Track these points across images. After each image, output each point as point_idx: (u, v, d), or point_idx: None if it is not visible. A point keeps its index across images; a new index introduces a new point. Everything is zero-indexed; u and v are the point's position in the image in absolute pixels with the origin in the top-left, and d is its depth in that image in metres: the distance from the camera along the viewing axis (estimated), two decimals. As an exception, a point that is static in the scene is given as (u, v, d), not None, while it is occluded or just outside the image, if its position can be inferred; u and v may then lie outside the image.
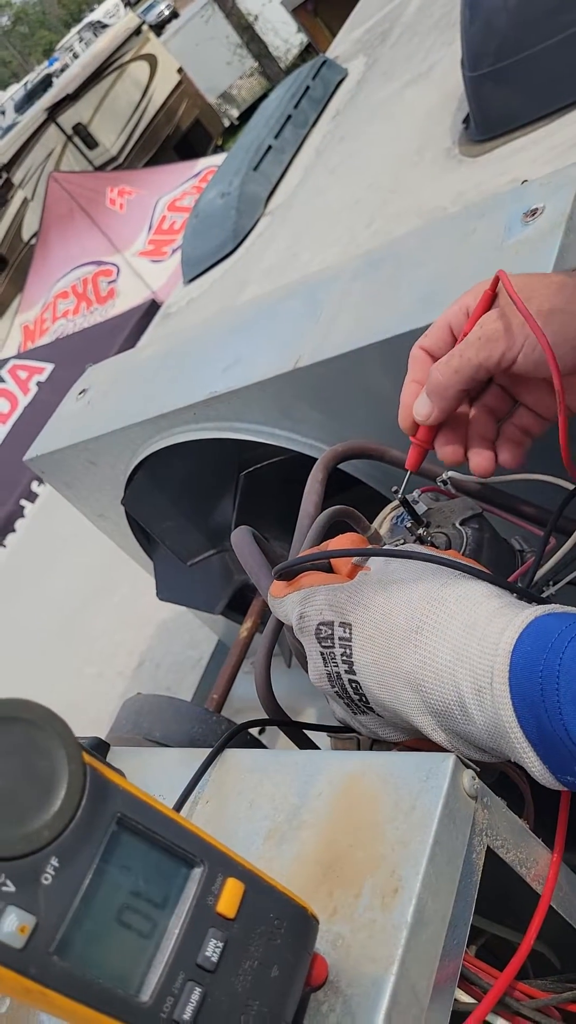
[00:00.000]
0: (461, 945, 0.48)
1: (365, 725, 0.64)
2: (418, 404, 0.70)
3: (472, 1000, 0.50)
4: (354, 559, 0.65)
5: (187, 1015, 0.40)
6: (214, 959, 0.41)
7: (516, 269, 0.82)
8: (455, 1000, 0.50)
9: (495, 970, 0.51)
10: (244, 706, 1.31)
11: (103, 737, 1.06)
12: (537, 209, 0.85)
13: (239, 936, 0.43)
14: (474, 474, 0.73)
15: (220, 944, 0.42)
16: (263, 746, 1.02)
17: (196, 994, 0.40)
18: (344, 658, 0.60)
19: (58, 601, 2.21)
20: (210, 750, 0.63)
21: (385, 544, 0.83)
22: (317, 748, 0.77)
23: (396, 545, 0.84)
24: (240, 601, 1.29)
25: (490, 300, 0.67)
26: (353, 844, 0.50)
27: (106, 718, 1.15)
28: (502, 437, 0.72)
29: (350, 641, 0.59)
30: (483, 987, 0.49)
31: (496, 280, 0.66)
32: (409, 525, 0.81)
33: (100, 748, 0.69)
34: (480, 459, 0.71)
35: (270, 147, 3.09)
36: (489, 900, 0.56)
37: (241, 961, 0.42)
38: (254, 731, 1.36)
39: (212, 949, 0.42)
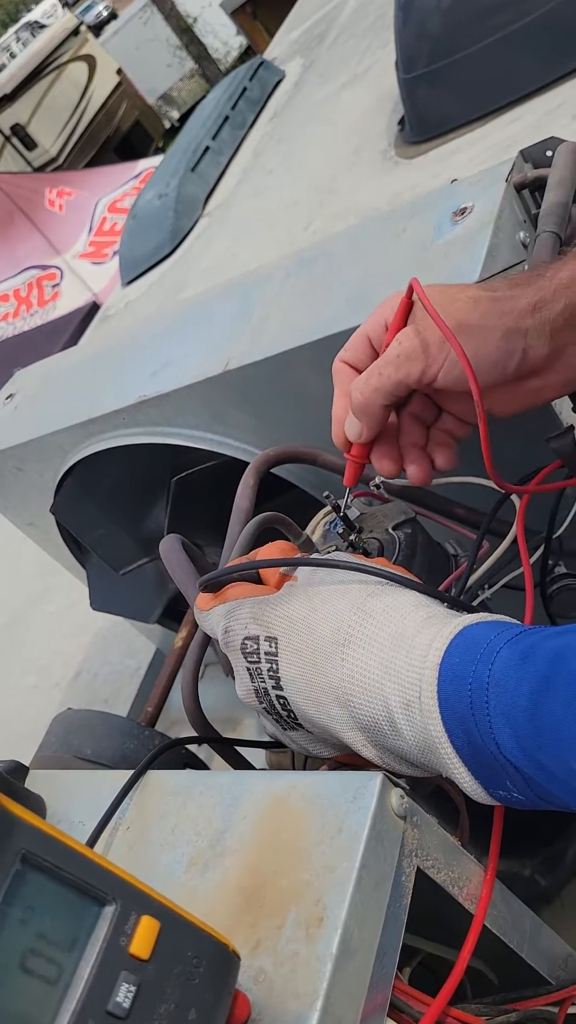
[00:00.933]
0: (390, 974, 0.46)
1: (295, 741, 0.61)
2: (347, 425, 0.69)
3: (403, 1030, 0.48)
4: (282, 568, 0.63)
5: (96, 1069, 0.37)
6: (126, 1005, 0.38)
7: (445, 268, 0.81)
8: (386, 1031, 0.47)
9: (427, 997, 0.49)
10: (184, 717, 1.28)
11: (33, 754, 1.02)
12: (466, 208, 0.84)
13: (154, 978, 0.40)
14: (411, 484, 0.71)
15: (133, 988, 0.39)
16: (201, 762, 0.99)
17: (105, 1046, 0.37)
18: (271, 673, 0.58)
19: (-7, 611, 2.16)
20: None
21: (317, 551, 0.81)
22: (250, 764, 0.75)
23: (328, 552, 0.81)
24: (176, 609, 1.26)
25: (407, 310, 0.66)
26: (277, 871, 0.48)
27: (41, 731, 1.11)
28: (432, 442, 0.71)
29: (276, 656, 0.57)
30: (414, 1016, 0.47)
31: (411, 290, 0.65)
32: (341, 531, 0.79)
33: (16, 773, 0.66)
34: (415, 469, 0.70)
35: (208, 148, 3.06)
36: (424, 917, 0.54)
37: (156, 1005, 0.39)
38: (193, 746, 1.33)
39: (124, 994, 0.39)
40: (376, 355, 0.68)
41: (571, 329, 0.61)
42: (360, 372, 0.69)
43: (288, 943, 0.45)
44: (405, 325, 0.66)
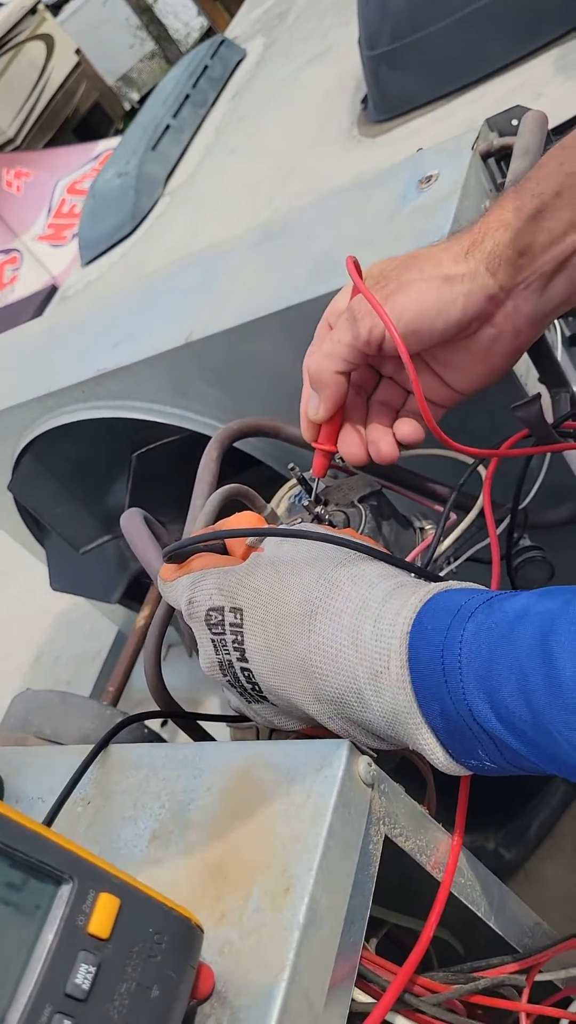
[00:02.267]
0: (358, 943, 0.45)
1: (260, 714, 0.60)
2: (308, 404, 0.69)
3: (371, 999, 0.47)
4: (248, 540, 0.61)
5: (55, 1051, 0.36)
6: (85, 986, 0.37)
7: (411, 237, 0.80)
8: (352, 1000, 0.47)
9: (394, 965, 0.48)
10: (146, 697, 1.26)
11: (-9, 736, 1.00)
12: (432, 176, 0.83)
13: (114, 957, 0.38)
14: (378, 461, 0.71)
15: (92, 969, 0.37)
16: (163, 740, 0.97)
17: (64, 1027, 0.36)
18: (236, 645, 0.56)
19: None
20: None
21: (282, 524, 0.80)
22: (213, 740, 0.74)
23: (293, 525, 0.80)
24: (137, 589, 1.24)
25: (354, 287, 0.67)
26: (243, 842, 0.47)
27: (0, 714, 1.09)
28: (399, 420, 0.71)
29: (241, 627, 0.56)
30: (382, 985, 0.47)
31: (352, 263, 0.66)
32: (307, 504, 0.78)
33: (-26, 750, 0.64)
34: (381, 446, 0.69)
35: (168, 127, 3.01)
36: (390, 888, 0.53)
37: (117, 985, 0.38)
38: (155, 725, 1.31)
39: (83, 975, 0.37)
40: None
41: (507, 269, 0.62)
42: None
43: (254, 914, 0.44)
44: None
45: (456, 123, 1.84)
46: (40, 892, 0.38)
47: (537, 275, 0.62)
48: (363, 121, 2.19)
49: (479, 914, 0.54)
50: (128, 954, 0.39)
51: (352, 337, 0.65)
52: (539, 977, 0.57)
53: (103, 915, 0.39)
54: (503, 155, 0.84)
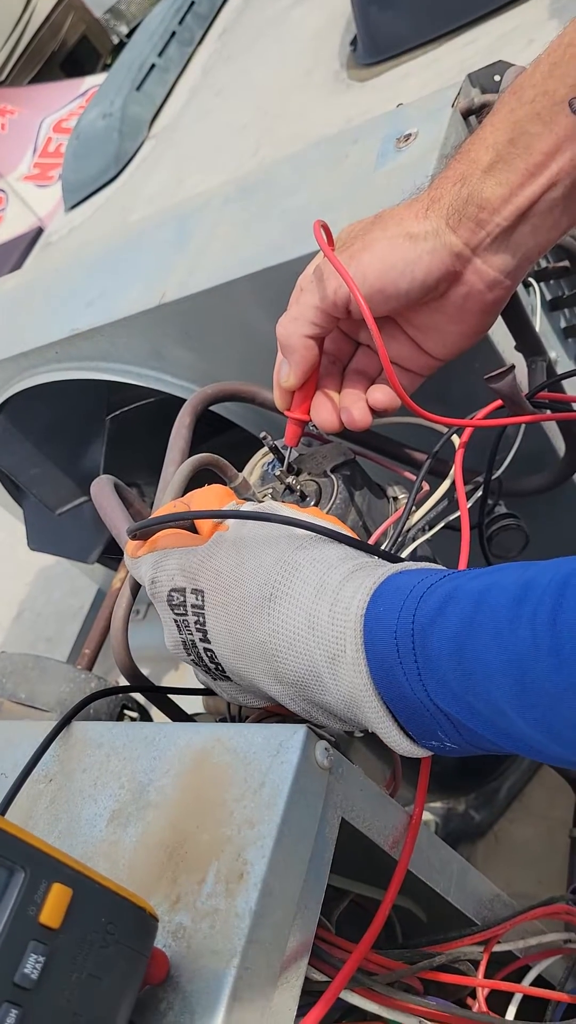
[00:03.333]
0: (311, 926, 0.46)
1: (225, 691, 0.60)
2: (279, 372, 0.69)
3: (325, 978, 0.48)
4: (215, 517, 0.60)
5: (1, 1041, 0.36)
6: (34, 976, 0.37)
7: (387, 196, 0.77)
8: (307, 979, 0.47)
9: (350, 944, 0.49)
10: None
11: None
12: (411, 134, 0.80)
13: (65, 947, 0.38)
14: (350, 427, 0.70)
15: (42, 959, 0.37)
16: (140, 706, 0.98)
17: (12, 1017, 0.36)
18: (198, 626, 0.56)
19: None
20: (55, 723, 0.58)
21: (254, 493, 0.79)
22: (183, 711, 0.74)
23: (265, 495, 0.80)
24: (116, 548, 1.24)
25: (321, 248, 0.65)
26: (200, 825, 0.47)
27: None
28: (372, 386, 0.70)
29: (203, 609, 0.55)
30: (336, 965, 0.47)
31: (320, 227, 0.65)
32: (279, 473, 0.77)
33: None
34: (354, 412, 0.69)
35: (154, 66, 2.93)
36: (354, 859, 0.54)
37: (67, 974, 0.38)
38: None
39: (32, 965, 0.37)
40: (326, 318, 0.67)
41: (468, 225, 0.61)
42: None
43: (208, 899, 0.44)
44: None
45: (446, 68, 1.79)
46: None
47: (500, 228, 0.61)
48: (352, 64, 2.13)
49: (437, 890, 0.55)
50: (79, 944, 0.39)
51: (318, 299, 0.64)
52: (498, 947, 0.58)
53: (55, 905, 0.39)
54: (485, 113, 0.81)
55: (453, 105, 0.80)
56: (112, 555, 1.29)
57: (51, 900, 0.38)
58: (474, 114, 0.81)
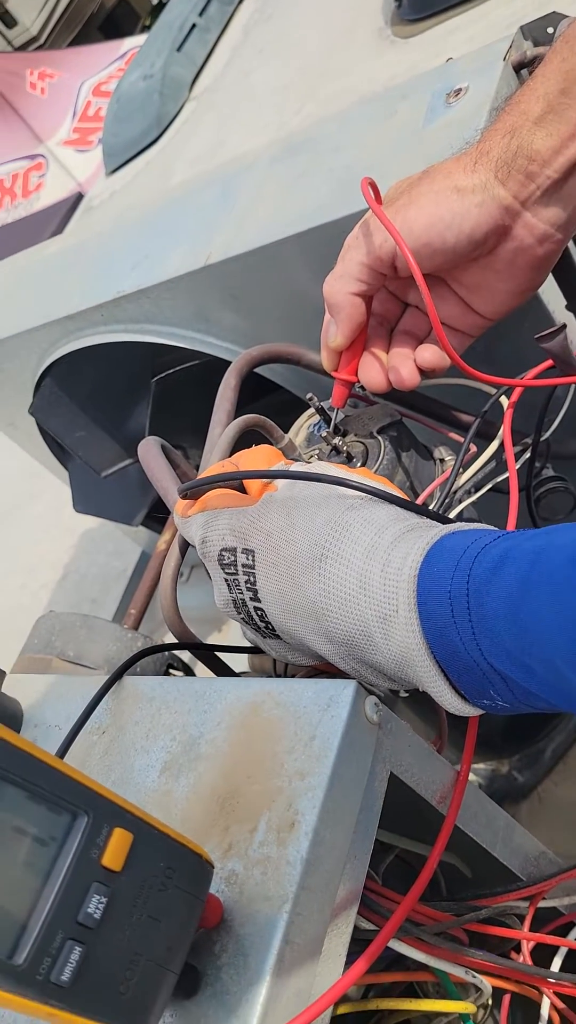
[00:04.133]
0: (361, 875, 0.46)
1: (274, 649, 0.61)
2: (326, 332, 0.68)
3: (374, 927, 0.49)
4: (264, 477, 0.61)
5: (65, 976, 0.37)
6: (97, 916, 0.39)
7: (436, 153, 0.76)
8: (356, 928, 0.48)
9: (398, 895, 0.49)
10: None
11: (17, 656, 1.02)
12: (461, 89, 0.78)
13: (126, 889, 0.40)
14: (397, 387, 0.69)
15: (104, 899, 0.39)
16: (185, 664, 0.99)
17: (76, 953, 0.38)
18: (248, 586, 0.56)
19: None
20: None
21: (300, 454, 0.79)
22: (230, 669, 0.75)
23: (312, 456, 0.80)
24: (160, 511, 1.25)
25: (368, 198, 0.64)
26: (251, 776, 0.48)
27: (27, 632, 1.11)
28: (421, 346, 0.69)
29: (253, 569, 0.56)
30: (384, 915, 0.48)
31: (368, 184, 0.64)
32: (325, 434, 0.77)
33: (-5, 677, 0.65)
34: (402, 372, 0.68)
35: (195, 25, 2.88)
36: (401, 814, 0.54)
37: (128, 915, 0.40)
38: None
39: (95, 905, 0.39)
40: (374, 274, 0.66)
41: (517, 177, 0.60)
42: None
43: (260, 847, 0.45)
44: None
45: (496, 22, 1.74)
46: (56, 824, 0.40)
47: (551, 181, 0.60)
48: (396, 20, 2.08)
49: (484, 845, 0.56)
50: (140, 887, 0.40)
51: (364, 254, 0.63)
52: (542, 904, 0.59)
53: (116, 849, 0.40)
54: (537, 65, 0.79)
55: (505, 59, 0.78)
56: (156, 517, 1.30)
57: (113, 844, 0.40)
58: (526, 67, 0.80)
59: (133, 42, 6.70)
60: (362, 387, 0.81)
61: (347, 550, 0.52)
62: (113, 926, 0.39)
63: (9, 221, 6.23)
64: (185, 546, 0.73)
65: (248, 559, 0.56)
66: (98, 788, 0.41)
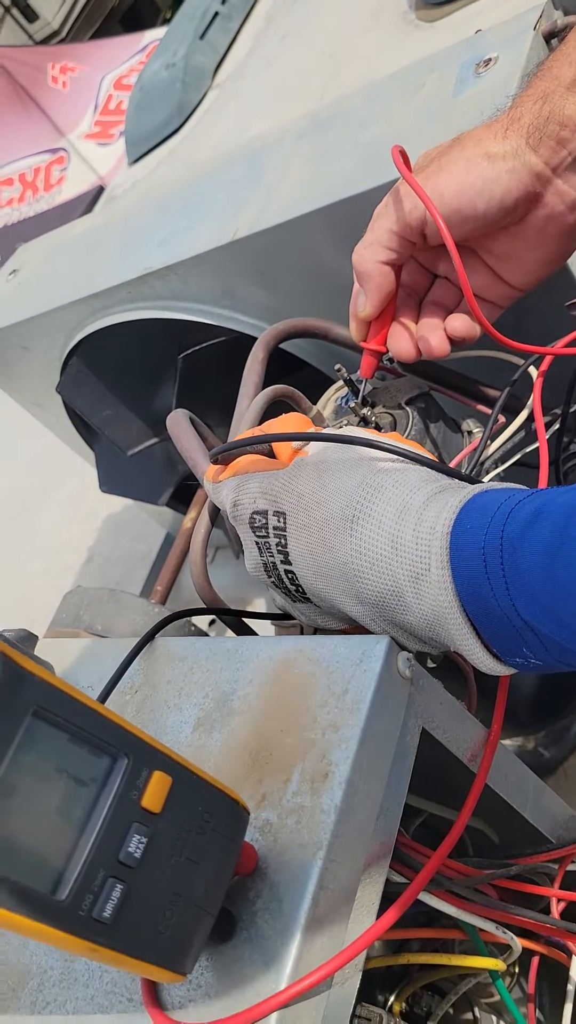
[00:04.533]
0: (393, 827, 0.47)
1: (304, 614, 0.61)
2: (355, 302, 0.68)
3: (405, 880, 0.49)
4: (293, 443, 0.61)
5: (107, 912, 0.38)
6: (137, 855, 0.39)
7: (466, 125, 0.76)
8: (388, 881, 0.49)
9: (428, 849, 0.50)
10: (194, 598, 1.29)
11: (45, 631, 1.03)
12: (491, 59, 0.78)
13: (165, 831, 0.40)
14: (427, 356, 0.69)
15: (144, 839, 0.40)
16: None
17: (117, 891, 0.38)
18: (279, 548, 0.57)
19: (1, 497, 2.16)
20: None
21: (328, 426, 0.80)
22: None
23: (340, 427, 0.80)
24: (185, 492, 1.26)
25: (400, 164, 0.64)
26: (284, 730, 0.48)
27: (52, 613, 1.12)
28: (451, 315, 0.69)
29: (284, 531, 0.56)
30: (416, 867, 0.48)
31: (398, 152, 0.64)
32: (353, 405, 0.77)
33: (27, 641, 0.66)
34: (431, 340, 0.68)
35: (217, 14, 2.88)
36: (429, 779, 0.55)
37: (167, 856, 0.40)
38: (203, 625, 1.34)
39: (135, 845, 0.39)
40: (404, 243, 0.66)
41: (548, 143, 0.59)
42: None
43: (294, 796, 0.45)
44: None
45: (520, 4, 1.73)
46: (97, 766, 0.40)
47: None
48: (420, 4, 2.07)
49: (514, 805, 0.56)
50: (178, 829, 0.41)
51: (393, 221, 0.63)
52: (572, 867, 0.59)
53: (156, 791, 0.41)
54: (568, 34, 0.79)
55: (535, 28, 0.78)
56: (181, 499, 1.31)
57: (152, 786, 0.40)
58: (556, 37, 0.79)
59: (154, 35, 6.70)
60: (391, 359, 0.81)
61: (379, 510, 0.52)
62: (153, 866, 0.39)
63: (31, 215, 6.26)
64: (215, 514, 0.73)
65: (279, 521, 0.56)
66: (138, 732, 0.41)
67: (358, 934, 0.43)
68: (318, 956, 0.41)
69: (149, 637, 0.59)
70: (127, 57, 6.68)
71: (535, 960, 0.60)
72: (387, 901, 0.48)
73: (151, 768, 0.41)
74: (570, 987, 0.59)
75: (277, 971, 0.41)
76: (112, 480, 1.29)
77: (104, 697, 0.55)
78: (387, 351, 0.71)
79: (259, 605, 1.31)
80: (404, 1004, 0.63)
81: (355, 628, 0.60)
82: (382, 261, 0.65)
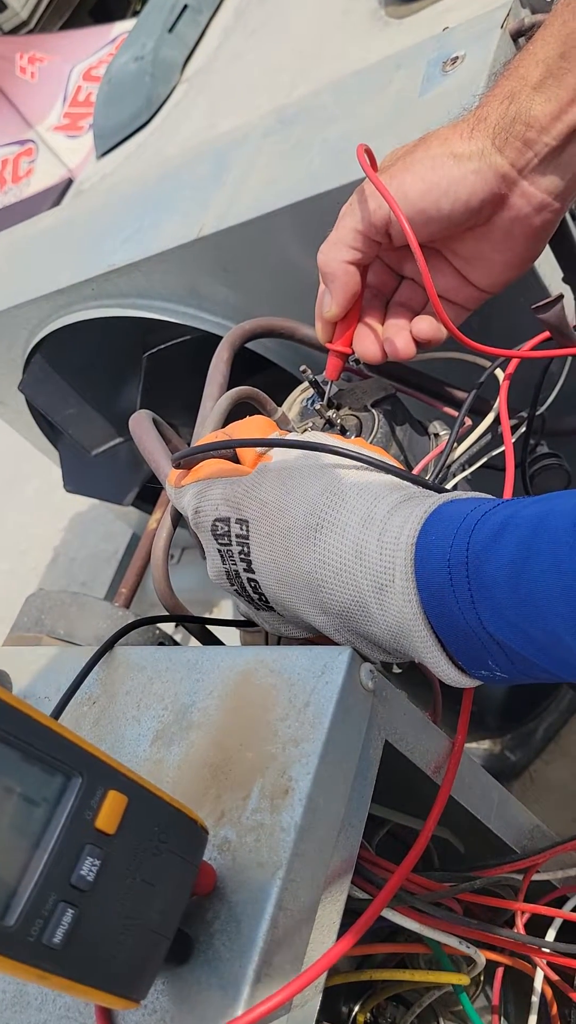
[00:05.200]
0: (355, 844, 0.46)
1: (267, 622, 0.60)
2: (321, 303, 0.67)
3: (367, 896, 0.48)
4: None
5: (57, 938, 0.36)
6: (90, 878, 0.38)
7: (433, 122, 0.75)
8: (350, 897, 0.48)
9: (391, 864, 0.49)
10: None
11: (5, 635, 1.01)
12: (458, 57, 0.77)
13: (119, 852, 0.39)
14: (392, 358, 0.69)
15: (97, 862, 0.38)
16: (175, 643, 0.98)
17: (68, 916, 0.37)
18: (242, 556, 0.56)
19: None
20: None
21: (293, 428, 0.79)
22: (222, 644, 0.74)
23: (305, 429, 0.79)
24: (151, 492, 1.24)
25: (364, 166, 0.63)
26: (243, 744, 0.47)
27: (16, 614, 1.10)
28: (417, 317, 0.68)
29: (247, 539, 0.55)
30: (378, 883, 0.47)
31: (363, 151, 0.63)
32: (319, 408, 0.76)
33: (-18, 651, 0.64)
34: (397, 342, 0.67)
35: (186, 6, 2.85)
36: (394, 788, 0.54)
37: (121, 879, 0.39)
38: (170, 629, 1.32)
39: (88, 868, 0.38)
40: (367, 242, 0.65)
41: (514, 144, 0.58)
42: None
43: (253, 814, 0.44)
44: None
45: (492, 1, 1.73)
46: (50, 785, 0.39)
47: (548, 148, 0.58)
48: (390, 1, 2.07)
49: (478, 816, 0.55)
50: (133, 850, 0.39)
51: (358, 220, 0.62)
52: (536, 877, 0.58)
53: (110, 811, 0.39)
54: (535, 32, 0.78)
55: (502, 26, 0.77)
56: (146, 499, 1.29)
57: (107, 806, 0.39)
58: (524, 35, 0.79)
59: (124, 27, 6.62)
60: (356, 361, 0.80)
61: (343, 519, 0.51)
62: (106, 889, 0.38)
63: (0, 207, 6.18)
64: (177, 518, 0.72)
65: (242, 529, 0.55)
66: (93, 750, 0.40)
67: (318, 955, 0.42)
68: (277, 979, 0.40)
69: (108, 647, 0.58)
70: (96, 48, 6.60)
71: (499, 971, 0.60)
72: (349, 915, 0.47)
73: (106, 787, 0.39)
74: (534, 998, 0.58)
75: (234, 995, 0.39)
76: (76, 480, 1.27)
77: (61, 709, 0.54)
78: (353, 352, 0.70)
79: (226, 607, 1.30)
80: (368, 1015, 0.62)
81: (319, 637, 0.59)
82: (347, 261, 0.64)
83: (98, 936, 0.37)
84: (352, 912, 0.48)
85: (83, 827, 0.38)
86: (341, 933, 0.45)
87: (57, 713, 0.54)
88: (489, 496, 0.52)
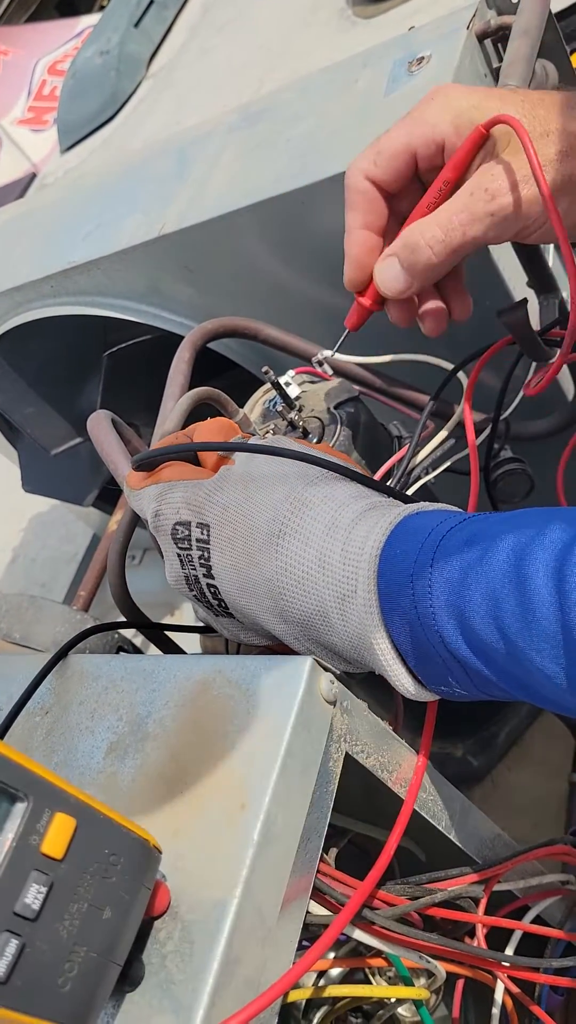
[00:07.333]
0: (314, 859, 0.45)
1: (226, 628, 0.59)
2: (388, 278, 0.62)
3: (328, 913, 0.47)
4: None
5: (0, 970, 0.35)
6: (35, 906, 0.36)
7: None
8: (309, 913, 0.47)
9: (354, 880, 0.48)
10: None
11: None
12: (424, 58, 0.77)
13: (67, 878, 0.37)
14: (426, 333, 0.67)
15: (43, 889, 0.36)
16: (136, 648, 0.97)
17: (12, 946, 0.35)
18: (202, 562, 0.54)
19: None
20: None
21: (255, 430, 0.77)
22: (182, 650, 0.73)
23: (267, 431, 0.78)
24: (111, 493, 1.22)
25: (477, 147, 0.57)
26: (200, 757, 0.46)
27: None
28: (448, 289, 0.66)
29: (208, 544, 0.53)
30: (339, 900, 0.46)
31: (493, 122, 0.55)
32: (281, 409, 0.75)
33: None
34: (432, 317, 0.65)
35: (152, 2, 2.82)
36: (355, 797, 0.53)
37: (68, 905, 0.37)
38: (131, 632, 1.30)
39: (33, 895, 0.36)
40: (414, 178, 0.61)
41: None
42: (388, 194, 0.62)
43: (209, 830, 0.43)
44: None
45: (458, 3, 1.73)
46: (-8, 810, 0.37)
47: None
48: (359, 0, 2.06)
49: (440, 828, 0.54)
50: (82, 875, 0.38)
51: (493, 237, 0.57)
52: (498, 887, 0.57)
53: (58, 835, 0.38)
54: (501, 36, 0.78)
55: (468, 27, 0.77)
56: (107, 499, 1.27)
57: (54, 830, 0.37)
58: (490, 37, 0.78)
59: (89, 20, 6.55)
60: (319, 362, 0.79)
61: (306, 527, 0.50)
62: (53, 917, 0.37)
63: (-39, 201, 6.09)
64: (135, 521, 0.70)
65: (203, 533, 0.54)
66: (39, 770, 0.38)
67: (276, 976, 0.41)
68: (232, 1002, 0.39)
69: (61, 655, 0.56)
70: (62, 42, 6.52)
71: (460, 983, 0.59)
72: (307, 930, 0.46)
73: (53, 810, 0.38)
74: (495, 1011, 0.58)
75: (187, 1020, 0.38)
76: (35, 480, 1.24)
77: (11, 719, 0.52)
78: (380, 309, 0.67)
79: (188, 610, 1.28)
80: (328, 1028, 0.61)
81: (279, 645, 0.58)
82: (366, 175, 0.61)
83: (44, 966, 0.36)
84: (311, 927, 0.47)
85: (29, 852, 0.37)
86: (299, 951, 0.44)
87: (8, 724, 0.52)
88: (455, 508, 0.51)
